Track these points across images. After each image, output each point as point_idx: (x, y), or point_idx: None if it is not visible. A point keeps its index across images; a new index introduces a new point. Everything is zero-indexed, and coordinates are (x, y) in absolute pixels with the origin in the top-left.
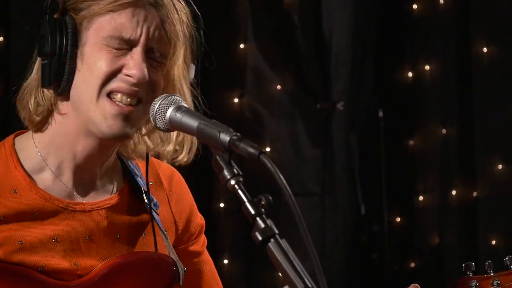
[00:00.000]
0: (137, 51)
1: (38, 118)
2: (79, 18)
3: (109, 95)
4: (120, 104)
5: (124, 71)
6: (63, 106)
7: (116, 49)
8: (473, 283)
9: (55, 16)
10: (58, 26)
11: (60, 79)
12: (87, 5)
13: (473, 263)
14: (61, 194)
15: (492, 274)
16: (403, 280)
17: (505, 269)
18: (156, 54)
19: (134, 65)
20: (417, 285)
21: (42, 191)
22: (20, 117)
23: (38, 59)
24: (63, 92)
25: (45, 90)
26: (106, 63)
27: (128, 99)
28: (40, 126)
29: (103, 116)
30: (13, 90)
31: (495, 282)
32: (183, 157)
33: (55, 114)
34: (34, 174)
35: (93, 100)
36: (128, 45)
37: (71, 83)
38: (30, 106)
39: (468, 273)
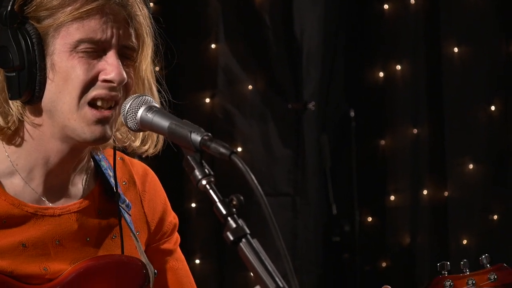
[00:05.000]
0: (111, 54)
1: (10, 131)
2: (43, 27)
3: (89, 102)
4: (100, 109)
5: (102, 76)
6: (35, 116)
7: (88, 54)
8: (448, 283)
9: (15, 26)
10: (22, 37)
11: (31, 91)
12: (50, 13)
13: (448, 263)
14: (30, 199)
15: (467, 273)
16: (374, 280)
17: (481, 268)
18: (127, 53)
19: (112, 69)
20: (388, 286)
21: (11, 197)
22: None
23: None
24: (34, 103)
25: (10, 100)
26: (82, 71)
27: (107, 103)
28: (13, 138)
29: (86, 123)
30: None
31: (470, 282)
32: (149, 149)
33: (26, 124)
34: (3, 179)
35: (73, 109)
36: (100, 47)
37: (43, 94)
38: None
39: (443, 272)
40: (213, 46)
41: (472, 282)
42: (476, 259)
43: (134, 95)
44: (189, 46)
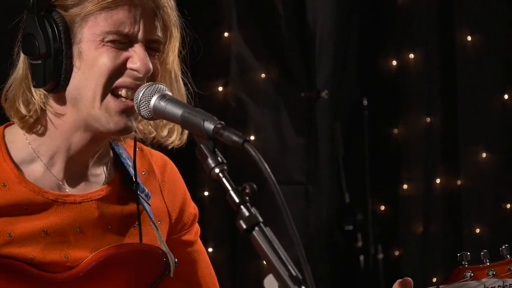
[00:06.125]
0: (139, 46)
1: (32, 119)
2: (70, 15)
3: (113, 91)
4: (124, 99)
5: (129, 65)
6: (59, 105)
7: (115, 44)
8: (468, 273)
9: (41, 13)
10: (49, 25)
11: (57, 79)
12: (78, 2)
13: (468, 253)
14: (51, 186)
15: (487, 264)
16: (387, 269)
17: (501, 258)
18: (153, 46)
19: (138, 59)
20: (409, 279)
21: (31, 184)
22: (9, 116)
23: (22, 57)
24: (58, 91)
25: (33, 88)
26: (109, 59)
27: (132, 93)
28: (34, 127)
29: (109, 113)
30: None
31: (490, 273)
32: (175, 141)
33: (49, 113)
34: (23, 166)
35: (97, 97)
36: (127, 39)
37: (68, 82)
38: (19, 106)
39: (463, 262)
40: (226, 34)
41: (493, 273)
42: (489, 247)
43: (147, 84)
44: (202, 35)
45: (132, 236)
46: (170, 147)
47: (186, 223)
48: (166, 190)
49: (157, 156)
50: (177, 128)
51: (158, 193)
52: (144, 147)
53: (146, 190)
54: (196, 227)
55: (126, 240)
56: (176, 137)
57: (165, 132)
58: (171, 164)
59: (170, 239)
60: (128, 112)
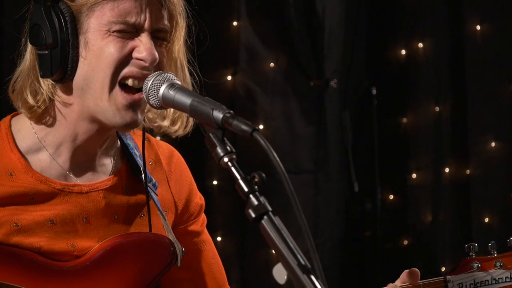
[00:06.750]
0: (145, 36)
1: (40, 110)
2: (76, 5)
3: (120, 81)
4: (130, 92)
5: (135, 54)
6: (66, 94)
7: (122, 33)
8: (476, 264)
9: (48, 3)
10: (55, 15)
11: (64, 69)
12: None
13: (476, 244)
14: (57, 176)
15: (495, 255)
16: (395, 258)
17: (508, 250)
18: (159, 35)
19: (144, 49)
20: (416, 269)
21: (38, 173)
22: (16, 107)
23: (30, 47)
24: (65, 81)
25: (41, 79)
26: (116, 49)
27: (139, 83)
28: (43, 117)
29: (116, 107)
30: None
31: (498, 264)
32: (179, 130)
33: (57, 103)
34: (30, 155)
35: (105, 88)
36: (133, 29)
37: (75, 72)
38: (26, 96)
39: (470, 254)
40: (235, 23)
41: (500, 264)
42: (498, 237)
43: (156, 72)
44: (211, 24)
45: (138, 225)
46: (174, 136)
47: (192, 213)
48: (173, 181)
49: (164, 147)
50: (181, 118)
51: (165, 183)
52: (151, 137)
53: (154, 180)
54: (203, 217)
55: (133, 230)
56: (180, 126)
57: (165, 123)
58: (177, 155)
59: (177, 229)
60: (135, 106)
